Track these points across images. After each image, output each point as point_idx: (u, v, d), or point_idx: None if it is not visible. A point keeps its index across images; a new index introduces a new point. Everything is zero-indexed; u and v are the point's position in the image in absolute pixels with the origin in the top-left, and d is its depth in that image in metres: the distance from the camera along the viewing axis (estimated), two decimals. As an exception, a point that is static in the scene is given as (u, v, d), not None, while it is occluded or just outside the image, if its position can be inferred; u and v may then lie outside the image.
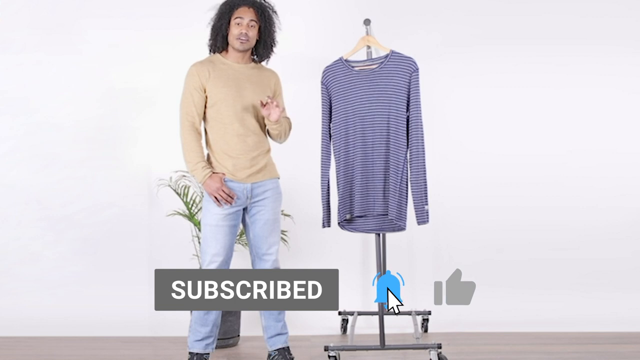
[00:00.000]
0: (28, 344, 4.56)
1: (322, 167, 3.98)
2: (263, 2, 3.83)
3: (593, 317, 4.74)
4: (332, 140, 3.98)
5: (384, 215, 3.93)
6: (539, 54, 4.98)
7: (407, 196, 3.91)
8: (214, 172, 3.73)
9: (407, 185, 3.90)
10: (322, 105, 3.98)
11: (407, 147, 3.89)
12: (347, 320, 4.68)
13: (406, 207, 3.91)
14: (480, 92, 4.99)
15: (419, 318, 4.69)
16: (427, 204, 3.90)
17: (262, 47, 3.85)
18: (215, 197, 3.71)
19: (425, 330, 4.68)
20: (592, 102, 4.98)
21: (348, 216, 3.94)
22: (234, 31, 3.76)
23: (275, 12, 3.86)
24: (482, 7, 5.00)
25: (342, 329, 4.67)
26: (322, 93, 3.97)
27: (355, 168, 3.93)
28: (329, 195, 4.00)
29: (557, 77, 4.98)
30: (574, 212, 4.96)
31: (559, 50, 4.98)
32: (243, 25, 3.75)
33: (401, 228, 3.92)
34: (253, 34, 3.79)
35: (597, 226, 4.95)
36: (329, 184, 3.99)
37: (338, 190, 3.97)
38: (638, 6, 4.98)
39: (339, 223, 3.99)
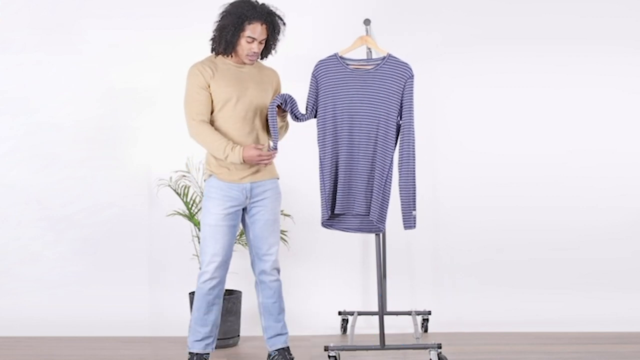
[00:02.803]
0: (28, 344, 4.56)
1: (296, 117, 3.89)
2: (275, 17, 3.77)
3: (593, 317, 4.74)
4: (318, 135, 3.93)
5: (362, 215, 3.93)
6: (539, 54, 4.98)
7: (389, 199, 3.90)
8: (241, 146, 3.69)
9: (390, 188, 3.89)
10: (309, 95, 3.93)
11: (394, 151, 3.88)
12: (347, 320, 4.68)
13: (387, 210, 3.90)
14: (480, 92, 4.99)
15: (419, 318, 4.69)
16: (415, 210, 3.90)
17: (265, 50, 3.84)
18: (262, 162, 3.69)
19: (425, 330, 4.68)
20: (592, 102, 4.98)
21: (329, 212, 3.92)
22: (244, 47, 3.73)
23: (284, 23, 3.83)
24: (482, 7, 5.00)
25: (342, 329, 4.67)
26: (311, 84, 3.93)
27: (339, 165, 3.91)
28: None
29: (557, 77, 4.97)
30: (574, 212, 4.96)
31: (559, 50, 4.97)
32: (254, 44, 3.74)
33: (380, 230, 3.92)
34: (261, 48, 3.78)
35: (597, 226, 4.95)
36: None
37: (322, 187, 3.92)
38: (638, 6, 4.97)
39: (322, 222, 3.95)
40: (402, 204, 3.90)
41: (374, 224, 3.91)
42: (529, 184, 4.97)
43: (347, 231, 3.99)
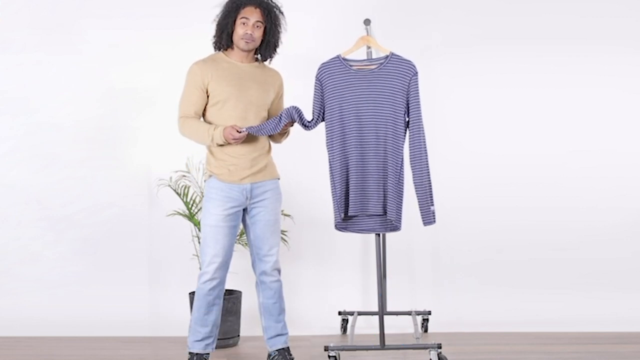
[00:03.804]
0: (28, 344, 4.56)
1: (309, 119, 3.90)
2: (270, 2, 3.81)
3: (593, 317, 4.74)
4: (326, 138, 3.93)
5: (377, 215, 3.93)
6: (539, 54, 4.98)
7: (403, 197, 3.90)
8: (222, 127, 3.69)
9: (403, 186, 3.89)
10: (315, 99, 3.93)
11: (403, 149, 3.88)
12: (347, 320, 4.68)
13: (402, 208, 3.90)
14: (480, 92, 4.99)
15: (419, 318, 4.69)
16: (433, 205, 3.90)
17: (265, 47, 3.84)
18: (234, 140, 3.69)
19: (425, 330, 4.68)
20: (592, 102, 4.98)
21: (342, 215, 3.92)
22: (239, 31, 3.75)
23: (282, 12, 3.84)
24: (482, 7, 5.00)
25: (342, 329, 4.67)
26: (316, 88, 3.92)
27: (350, 167, 3.90)
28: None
29: (557, 77, 4.97)
30: (574, 212, 4.96)
31: (559, 50, 4.97)
32: (249, 25, 3.74)
33: (398, 228, 3.92)
34: (258, 34, 3.78)
35: (597, 226, 4.95)
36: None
37: (334, 190, 3.92)
38: (638, 6, 4.98)
39: (335, 225, 3.95)
40: (419, 201, 3.90)
41: (390, 223, 3.91)
42: (529, 184, 4.97)
43: (362, 232, 3.98)
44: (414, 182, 3.89)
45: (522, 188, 4.97)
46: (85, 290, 4.97)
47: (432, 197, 3.90)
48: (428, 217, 3.90)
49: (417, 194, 3.90)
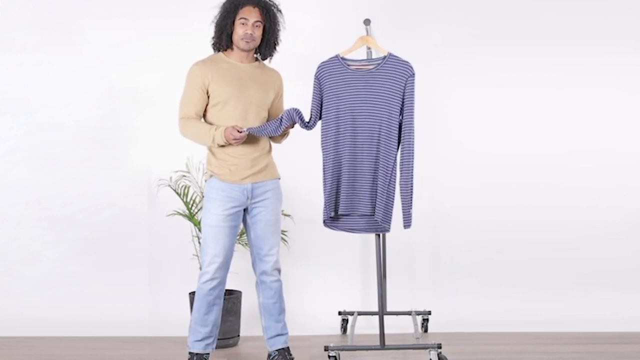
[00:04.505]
0: (28, 344, 4.56)
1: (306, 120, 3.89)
2: (268, 1, 3.82)
3: (593, 317, 4.74)
4: (321, 136, 3.94)
5: (367, 215, 3.92)
6: (539, 54, 4.98)
7: (393, 199, 3.89)
8: (223, 128, 3.69)
9: (394, 187, 3.89)
10: (313, 98, 3.93)
11: (397, 150, 3.88)
12: (347, 320, 4.68)
13: (392, 210, 3.89)
14: (480, 92, 4.99)
15: (419, 318, 4.69)
16: (411, 208, 3.90)
17: (265, 46, 3.84)
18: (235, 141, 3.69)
19: (425, 330, 4.68)
20: (592, 102, 4.98)
21: (332, 214, 3.92)
22: (239, 31, 3.75)
23: (280, 11, 3.85)
24: (482, 7, 5.00)
25: (342, 329, 4.67)
26: (314, 87, 3.93)
27: (342, 166, 3.90)
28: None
29: (557, 77, 4.97)
30: (574, 212, 4.96)
31: (559, 50, 4.98)
32: (248, 25, 3.74)
33: (385, 230, 3.91)
34: (258, 33, 3.78)
35: (597, 226, 4.95)
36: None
37: (324, 187, 3.92)
38: (638, 6, 4.98)
39: (324, 221, 3.96)
40: (402, 203, 3.90)
41: (378, 224, 3.91)
42: (529, 184, 4.97)
43: (352, 232, 3.98)
44: (400, 183, 3.89)
45: (522, 188, 4.97)
46: (85, 290, 4.97)
47: (412, 200, 3.90)
48: (408, 220, 3.90)
49: (401, 195, 3.90)
